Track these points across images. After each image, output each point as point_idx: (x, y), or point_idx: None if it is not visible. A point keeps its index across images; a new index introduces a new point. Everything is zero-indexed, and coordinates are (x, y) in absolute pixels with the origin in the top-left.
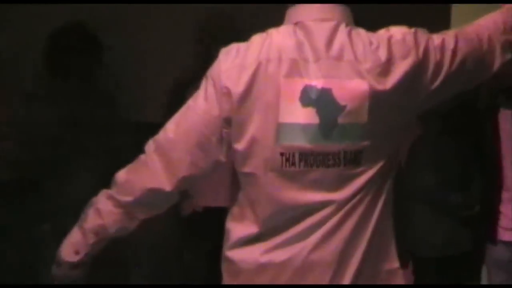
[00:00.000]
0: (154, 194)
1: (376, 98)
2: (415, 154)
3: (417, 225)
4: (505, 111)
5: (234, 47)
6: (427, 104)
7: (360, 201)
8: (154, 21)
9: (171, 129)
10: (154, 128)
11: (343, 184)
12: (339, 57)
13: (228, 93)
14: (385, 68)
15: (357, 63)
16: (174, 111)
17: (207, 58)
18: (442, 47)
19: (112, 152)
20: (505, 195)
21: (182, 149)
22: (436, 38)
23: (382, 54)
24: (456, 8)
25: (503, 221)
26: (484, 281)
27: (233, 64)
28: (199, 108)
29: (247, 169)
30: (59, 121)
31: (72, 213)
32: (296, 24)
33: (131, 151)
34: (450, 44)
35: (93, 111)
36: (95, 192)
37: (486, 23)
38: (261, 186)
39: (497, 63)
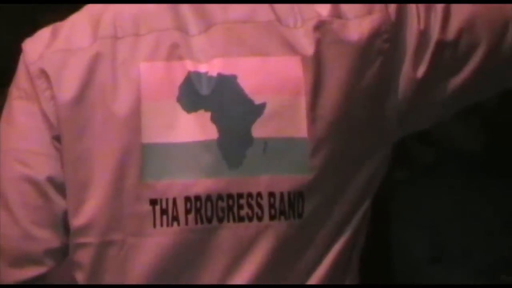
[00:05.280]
0: None
1: (320, 89)
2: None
3: None
4: None
5: (45, 30)
6: (415, 112)
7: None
8: None
9: None
10: None
11: (270, 255)
12: (247, 19)
13: (49, 86)
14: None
15: (281, 26)
16: None
17: None
18: (428, 4)
19: None
20: None
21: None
22: None
23: (323, 8)
24: None
25: None
26: None
27: (51, 49)
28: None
29: (83, 236)
30: None
31: None
32: None
33: None
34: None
35: None
36: None
37: None
38: (107, 270)
39: None
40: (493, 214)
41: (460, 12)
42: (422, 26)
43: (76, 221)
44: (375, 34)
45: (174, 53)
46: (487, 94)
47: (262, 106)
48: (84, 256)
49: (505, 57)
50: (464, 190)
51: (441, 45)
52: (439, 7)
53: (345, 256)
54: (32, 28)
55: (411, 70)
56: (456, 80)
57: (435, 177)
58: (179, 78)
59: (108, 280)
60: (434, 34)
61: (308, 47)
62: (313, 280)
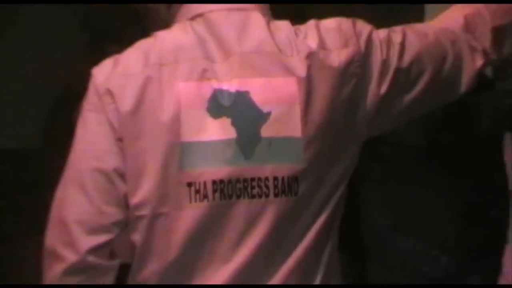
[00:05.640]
0: None
1: (310, 101)
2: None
3: None
4: None
5: (108, 60)
6: (379, 119)
7: (300, 237)
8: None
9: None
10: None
11: (274, 222)
12: (256, 50)
13: (113, 101)
14: None
15: (282, 56)
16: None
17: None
18: (388, 40)
19: None
20: None
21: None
22: (382, 31)
23: (312, 42)
24: (430, 8)
25: None
26: None
27: (114, 74)
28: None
29: (139, 210)
30: None
31: None
32: (192, 19)
33: None
34: (397, 38)
35: None
36: None
37: (441, 19)
38: (157, 234)
39: (468, 70)
40: (436, 197)
41: (412, 47)
42: (384, 56)
43: (134, 200)
44: (350, 62)
45: (204, 76)
46: (431, 107)
47: (268, 114)
48: (140, 225)
49: (444, 81)
50: (416, 178)
51: (398, 71)
52: (396, 43)
53: (328, 225)
54: (97, 59)
55: (376, 88)
56: (409, 96)
57: (394, 168)
58: (208, 93)
59: (157, 241)
60: (393, 62)
61: (301, 71)
62: (306, 241)
